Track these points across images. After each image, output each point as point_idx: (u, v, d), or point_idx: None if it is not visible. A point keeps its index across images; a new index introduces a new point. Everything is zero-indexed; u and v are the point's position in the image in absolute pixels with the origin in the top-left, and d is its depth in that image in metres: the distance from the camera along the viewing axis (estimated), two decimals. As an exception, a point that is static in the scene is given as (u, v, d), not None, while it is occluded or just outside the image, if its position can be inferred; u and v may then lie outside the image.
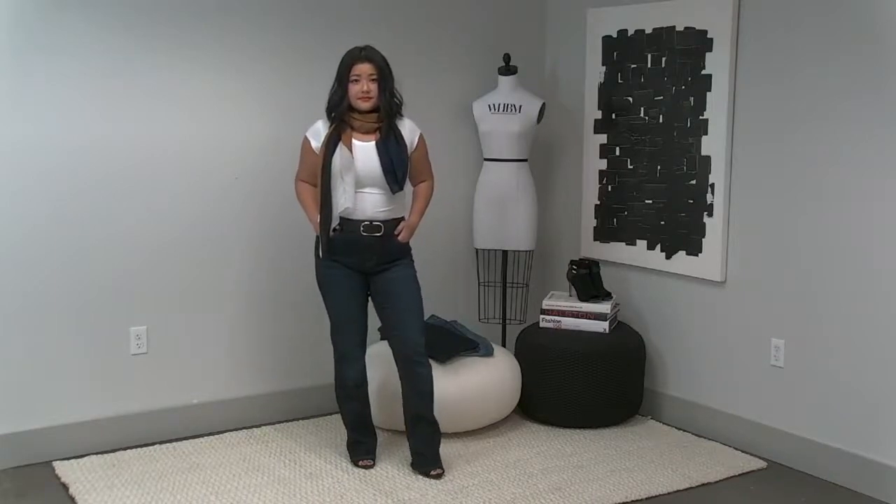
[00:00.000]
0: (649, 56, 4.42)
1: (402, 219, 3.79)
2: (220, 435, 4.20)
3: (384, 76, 3.65)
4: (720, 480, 3.80)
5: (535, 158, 4.82)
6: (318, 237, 3.76)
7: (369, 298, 3.83)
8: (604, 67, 4.65)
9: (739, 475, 3.86)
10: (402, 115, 3.76)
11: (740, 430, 4.13)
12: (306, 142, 3.75)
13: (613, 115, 4.63)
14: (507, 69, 4.66)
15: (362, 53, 3.65)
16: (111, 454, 3.94)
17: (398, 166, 3.66)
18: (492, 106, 4.62)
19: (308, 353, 4.48)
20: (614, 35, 4.58)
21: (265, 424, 4.33)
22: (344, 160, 3.63)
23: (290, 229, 4.36)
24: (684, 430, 4.35)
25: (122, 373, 4.05)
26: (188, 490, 3.60)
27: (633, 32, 4.49)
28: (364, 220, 3.68)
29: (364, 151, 3.65)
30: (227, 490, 3.61)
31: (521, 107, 4.61)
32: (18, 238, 3.78)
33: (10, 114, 3.71)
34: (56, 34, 3.76)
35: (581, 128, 4.81)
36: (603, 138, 4.69)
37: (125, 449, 3.99)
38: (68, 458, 3.87)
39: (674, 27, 4.29)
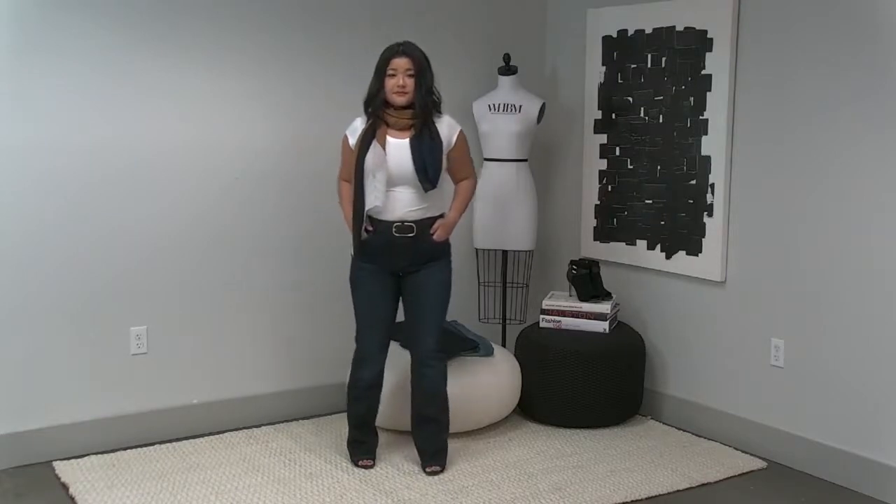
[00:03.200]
0: (649, 56, 4.42)
1: (438, 217, 3.73)
2: (220, 435, 4.20)
3: (422, 72, 3.59)
4: (720, 480, 3.80)
5: (535, 158, 4.82)
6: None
7: (400, 299, 3.79)
8: (604, 67, 4.65)
9: (739, 475, 3.86)
10: (440, 113, 3.70)
11: (740, 430, 4.13)
12: (345, 139, 3.72)
13: (613, 115, 4.63)
14: (507, 69, 4.66)
15: (400, 48, 3.60)
16: (111, 454, 3.94)
17: (430, 164, 3.59)
18: (492, 106, 4.62)
19: (308, 353, 4.48)
20: (614, 35, 4.58)
21: (265, 424, 4.33)
22: (376, 157, 3.58)
23: (291, 229, 4.37)
24: (684, 430, 4.35)
25: (122, 373, 4.05)
26: (188, 490, 3.60)
27: (633, 32, 4.49)
28: (395, 221, 3.63)
29: (397, 149, 3.60)
30: (227, 490, 3.61)
31: (521, 107, 4.61)
32: (19, 238, 3.78)
33: (10, 114, 3.71)
34: (56, 34, 3.76)
35: (581, 128, 4.81)
36: (603, 138, 4.69)
37: (125, 449, 3.99)
38: (68, 458, 3.87)
39: (674, 27, 4.29)
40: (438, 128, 3.66)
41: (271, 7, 4.25)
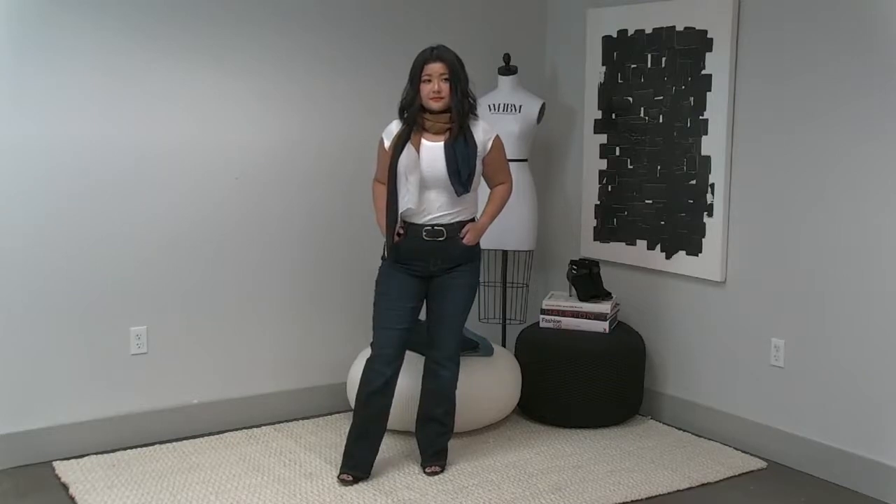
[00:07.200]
0: (649, 56, 4.42)
1: (469, 222, 3.71)
2: (220, 435, 4.20)
3: (456, 75, 3.58)
4: (720, 480, 3.80)
5: (535, 158, 4.82)
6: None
7: (424, 303, 3.77)
8: (604, 67, 4.65)
9: (739, 475, 3.86)
10: (476, 116, 3.69)
11: (740, 430, 4.13)
12: (380, 142, 3.71)
13: (613, 115, 4.63)
14: (507, 69, 4.65)
15: (434, 53, 3.59)
16: (111, 454, 3.94)
17: (463, 168, 3.56)
18: (492, 106, 4.61)
19: (308, 353, 4.48)
20: (614, 35, 4.58)
21: (265, 424, 4.33)
22: (410, 160, 3.57)
23: (291, 230, 4.37)
24: (684, 430, 4.35)
25: (122, 373, 4.05)
26: (188, 490, 3.60)
27: (633, 32, 4.49)
28: (426, 225, 3.62)
29: (431, 152, 3.58)
30: (227, 490, 3.61)
31: (521, 107, 4.61)
32: (19, 238, 3.78)
33: (10, 113, 3.71)
34: (56, 33, 3.76)
35: (581, 128, 4.81)
36: (603, 138, 4.69)
37: (125, 449, 3.99)
38: (68, 458, 3.87)
39: (674, 27, 4.29)
40: (474, 132, 3.64)
41: (272, 7, 4.25)
